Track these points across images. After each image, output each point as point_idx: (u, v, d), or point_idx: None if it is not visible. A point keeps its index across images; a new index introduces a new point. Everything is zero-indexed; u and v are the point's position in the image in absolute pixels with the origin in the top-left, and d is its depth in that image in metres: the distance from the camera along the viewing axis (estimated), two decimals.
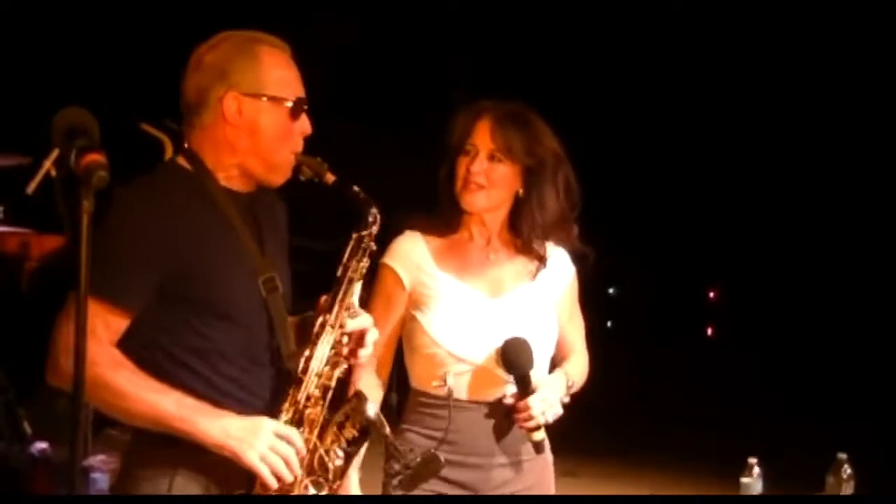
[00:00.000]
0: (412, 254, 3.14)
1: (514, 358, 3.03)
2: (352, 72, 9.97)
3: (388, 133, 10.06)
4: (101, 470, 4.93)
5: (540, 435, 3.10)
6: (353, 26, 9.70)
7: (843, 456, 3.86)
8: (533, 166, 3.11)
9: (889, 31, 10.11)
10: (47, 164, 5.18)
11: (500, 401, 3.09)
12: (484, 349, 3.07)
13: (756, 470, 3.87)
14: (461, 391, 3.08)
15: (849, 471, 3.83)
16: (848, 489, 3.82)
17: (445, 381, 3.04)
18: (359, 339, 2.65)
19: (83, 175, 1.90)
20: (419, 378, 3.14)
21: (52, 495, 5.03)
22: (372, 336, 2.67)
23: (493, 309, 3.13)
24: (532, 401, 3.04)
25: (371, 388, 3.00)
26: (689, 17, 10.98)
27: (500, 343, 3.05)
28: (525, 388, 3.05)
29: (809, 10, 10.49)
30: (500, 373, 3.07)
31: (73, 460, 1.94)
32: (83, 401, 2.00)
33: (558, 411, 3.12)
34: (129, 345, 2.47)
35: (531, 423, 3.05)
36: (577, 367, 3.30)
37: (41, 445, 5.45)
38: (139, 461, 2.54)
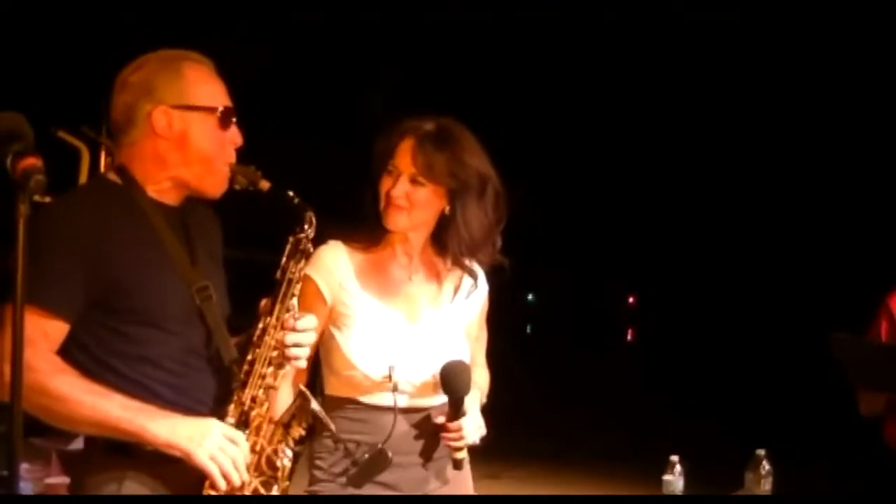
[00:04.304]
0: (335, 268, 3.11)
1: (453, 381, 3.06)
2: (269, 83, 9.94)
3: (311, 142, 10.06)
4: (24, 479, 4.89)
5: (463, 454, 3.14)
6: (266, 40, 9.66)
7: (761, 452, 3.96)
8: (456, 188, 3.09)
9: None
10: None
11: (413, 409, 3.13)
12: (401, 373, 3.10)
13: (678, 468, 3.95)
14: (373, 398, 3.11)
15: (767, 466, 3.93)
16: (766, 484, 3.92)
17: (391, 377, 3.07)
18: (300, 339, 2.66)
19: (20, 179, 1.91)
20: (334, 387, 3.16)
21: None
22: (310, 337, 2.68)
23: (411, 333, 3.14)
24: (465, 422, 3.08)
25: (285, 400, 3.01)
26: (600, 28, 11.11)
27: (414, 367, 3.09)
28: (458, 409, 3.08)
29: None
30: (417, 389, 3.11)
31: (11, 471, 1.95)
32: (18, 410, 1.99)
33: (484, 432, 3.18)
34: (70, 349, 2.47)
35: (460, 443, 3.10)
36: (485, 382, 3.35)
37: None
38: (88, 469, 2.54)
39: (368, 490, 3.09)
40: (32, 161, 1.93)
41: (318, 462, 3.11)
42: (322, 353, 3.14)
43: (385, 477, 3.10)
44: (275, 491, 2.56)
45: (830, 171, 11.70)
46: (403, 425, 3.11)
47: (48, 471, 5.26)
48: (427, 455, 3.15)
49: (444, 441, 3.09)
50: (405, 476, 3.12)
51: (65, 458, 5.08)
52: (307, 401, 2.61)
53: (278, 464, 2.57)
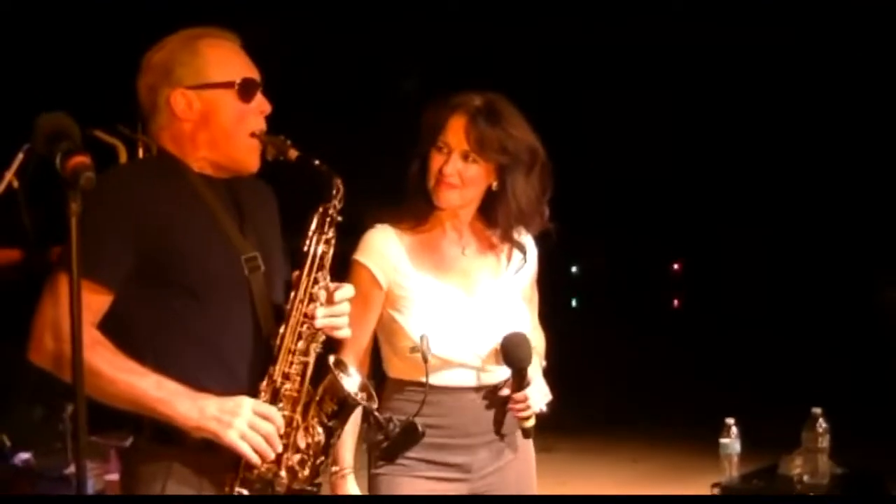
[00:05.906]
0: (387, 252, 3.09)
1: (514, 353, 3.05)
2: (302, 65, 9.95)
3: (343, 125, 10.07)
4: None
5: (532, 422, 3.14)
6: (294, 21, 9.65)
7: (817, 410, 3.93)
8: (507, 163, 3.07)
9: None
10: (9, 174, 5.15)
11: (484, 387, 3.13)
12: (465, 347, 3.08)
13: (734, 430, 3.95)
14: (444, 378, 3.10)
15: (824, 425, 3.91)
16: (824, 442, 3.90)
17: (421, 347, 3.05)
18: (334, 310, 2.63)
19: (70, 177, 1.92)
20: (398, 370, 3.15)
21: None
22: (343, 308, 2.64)
23: (471, 306, 3.12)
24: (531, 392, 3.08)
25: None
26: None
27: (479, 339, 3.08)
28: (522, 380, 3.08)
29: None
30: (485, 362, 3.10)
31: (77, 457, 1.97)
32: (82, 398, 2.01)
33: (550, 398, 3.18)
34: (107, 324, 2.47)
35: (528, 413, 3.10)
36: (542, 344, 3.33)
37: (24, 456, 5.46)
38: (137, 459, 2.57)
39: (442, 472, 3.09)
40: (82, 159, 1.95)
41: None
42: (383, 337, 3.12)
43: (459, 458, 3.10)
44: (307, 468, 2.55)
45: (884, 135, 11.57)
46: (474, 405, 3.11)
47: (107, 467, 5.31)
48: (498, 429, 3.15)
49: (512, 413, 3.10)
50: (480, 455, 3.12)
51: (123, 454, 5.14)
52: (336, 375, 2.58)
53: (310, 441, 2.55)
